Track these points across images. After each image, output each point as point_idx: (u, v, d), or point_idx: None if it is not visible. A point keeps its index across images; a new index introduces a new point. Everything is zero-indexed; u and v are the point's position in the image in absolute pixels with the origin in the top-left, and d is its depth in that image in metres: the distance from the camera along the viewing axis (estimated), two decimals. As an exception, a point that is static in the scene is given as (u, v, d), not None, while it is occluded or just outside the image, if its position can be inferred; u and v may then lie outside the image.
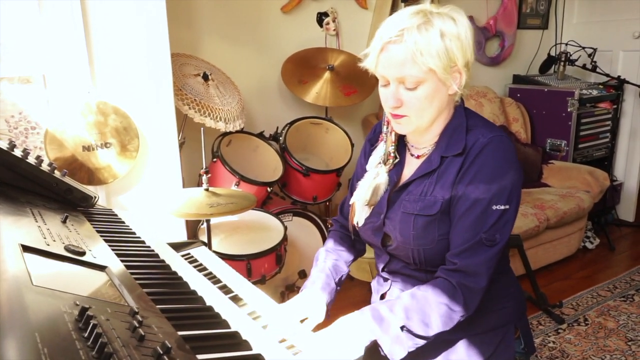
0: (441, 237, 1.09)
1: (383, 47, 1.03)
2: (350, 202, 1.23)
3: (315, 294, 1.17)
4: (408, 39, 0.99)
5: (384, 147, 1.19)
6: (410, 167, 1.18)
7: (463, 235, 1.05)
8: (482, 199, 1.04)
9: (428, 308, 1.02)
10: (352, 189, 1.29)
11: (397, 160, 1.18)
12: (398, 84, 1.04)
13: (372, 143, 1.27)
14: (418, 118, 1.07)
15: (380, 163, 1.18)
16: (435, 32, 1.00)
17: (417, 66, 1.00)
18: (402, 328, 1.00)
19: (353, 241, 1.35)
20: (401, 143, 1.20)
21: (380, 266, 1.25)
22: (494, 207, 1.04)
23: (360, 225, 1.20)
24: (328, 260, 1.27)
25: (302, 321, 1.08)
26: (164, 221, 2.00)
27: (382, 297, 1.26)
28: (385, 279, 1.26)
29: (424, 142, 1.16)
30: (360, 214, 1.19)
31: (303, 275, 2.53)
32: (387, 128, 1.19)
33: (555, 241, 3.11)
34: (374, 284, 1.34)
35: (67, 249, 0.84)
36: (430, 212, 1.08)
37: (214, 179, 2.31)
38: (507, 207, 1.04)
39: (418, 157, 1.17)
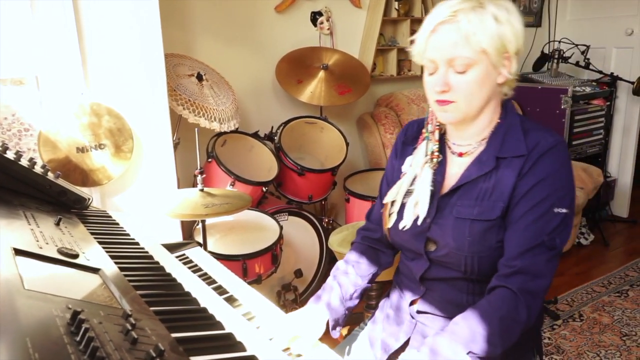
0: (499, 244, 1.04)
1: (435, 28, 1.00)
2: (385, 202, 1.18)
3: (314, 310, 1.13)
4: (462, 18, 0.98)
5: (426, 147, 1.14)
6: (455, 167, 1.12)
7: (523, 236, 1.00)
8: (545, 200, 1.00)
9: (490, 325, 0.95)
10: (382, 194, 1.24)
11: (440, 159, 1.13)
12: (447, 67, 1.01)
13: (406, 143, 1.22)
14: (466, 104, 1.03)
15: (426, 163, 1.13)
16: (488, 14, 0.99)
17: (469, 46, 0.98)
18: (467, 354, 0.94)
19: (377, 254, 1.27)
20: (440, 142, 1.15)
21: (418, 273, 1.14)
22: (556, 210, 1.00)
23: (407, 228, 1.12)
24: (341, 274, 1.21)
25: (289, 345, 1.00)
26: (159, 222, 2.00)
27: (412, 303, 1.18)
28: (420, 287, 1.16)
29: (467, 136, 1.11)
30: (408, 217, 1.12)
31: (299, 274, 2.53)
32: (431, 126, 1.15)
33: (550, 238, 3.11)
34: (391, 300, 1.25)
35: (60, 251, 0.84)
36: (489, 217, 1.03)
37: (209, 179, 2.31)
38: (568, 211, 1.01)
39: (461, 154, 1.12)
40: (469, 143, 1.11)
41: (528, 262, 0.98)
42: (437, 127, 1.15)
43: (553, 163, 1.01)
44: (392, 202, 1.16)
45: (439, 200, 1.10)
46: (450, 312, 1.10)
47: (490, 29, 0.98)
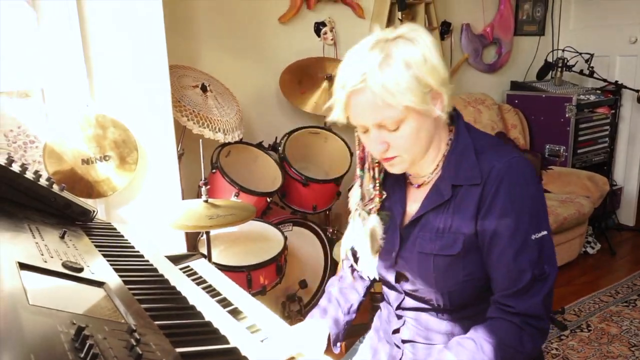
0: (467, 278, 1.00)
1: (349, 96, 0.94)
2: (345, 251, 1.16)
3: (318, 324, 1.12)
4: (373, 83, 0.89)
5: (360, 191, 1.11)
6: (415, 196, 1.08)
7: (509, 275, 0.95)
8: (518, 232, 0.94)
9: (494, 353, 0.92)
10: None
11: (384, 197, 1.10)
12: (378, 128, 0.95)
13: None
14: (410, 155, 0.99)
15: (364, 210, 1.09)
16: (398, 65, 0.90)
17: (391, 108, 0.91)
18: None
19: None
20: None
21: (394, 304, 1.13)
22: (534, 237, 0.94)
23: (371, 278, 1.14)
24: (335, 289, 1.22)
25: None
26: (163, 233, 1.99)
27: (396, 331, 1.16)
28: (399, 316, 1.15)
29: (422, 170, 1.06)
30: (369, 266, 1.10)
31: (304, 285, 2.52)
32: (363, 170, 1.11)
33: (556, 247, 3.05)
34: (382, 316, 1.24)
35: (64, 265, 0.84)
36: (452, 252, 0.99)
37: (214, 190, 2.31)
38: (545, 232, 0.96)
39: (419, 186, 1.08)
40: (423, 175, 1.06)
41: (525, 304, 0.94)
42: (377, 164, 1.10)
43: (513, 188, 0.95)
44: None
45: (402, 231, 1.07)
46: (433, 339, 1.09)
47: (406, 82, 0.89)
